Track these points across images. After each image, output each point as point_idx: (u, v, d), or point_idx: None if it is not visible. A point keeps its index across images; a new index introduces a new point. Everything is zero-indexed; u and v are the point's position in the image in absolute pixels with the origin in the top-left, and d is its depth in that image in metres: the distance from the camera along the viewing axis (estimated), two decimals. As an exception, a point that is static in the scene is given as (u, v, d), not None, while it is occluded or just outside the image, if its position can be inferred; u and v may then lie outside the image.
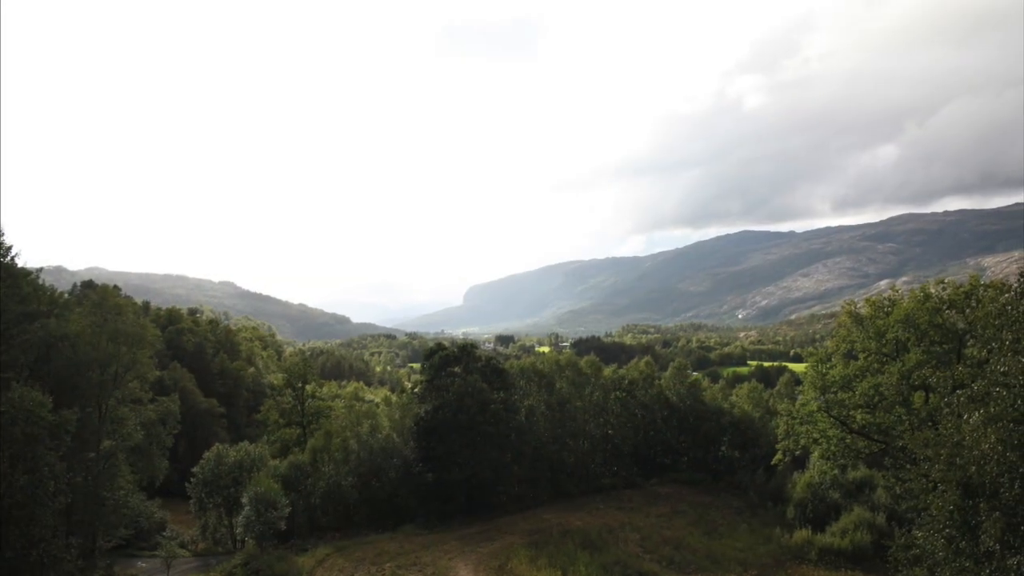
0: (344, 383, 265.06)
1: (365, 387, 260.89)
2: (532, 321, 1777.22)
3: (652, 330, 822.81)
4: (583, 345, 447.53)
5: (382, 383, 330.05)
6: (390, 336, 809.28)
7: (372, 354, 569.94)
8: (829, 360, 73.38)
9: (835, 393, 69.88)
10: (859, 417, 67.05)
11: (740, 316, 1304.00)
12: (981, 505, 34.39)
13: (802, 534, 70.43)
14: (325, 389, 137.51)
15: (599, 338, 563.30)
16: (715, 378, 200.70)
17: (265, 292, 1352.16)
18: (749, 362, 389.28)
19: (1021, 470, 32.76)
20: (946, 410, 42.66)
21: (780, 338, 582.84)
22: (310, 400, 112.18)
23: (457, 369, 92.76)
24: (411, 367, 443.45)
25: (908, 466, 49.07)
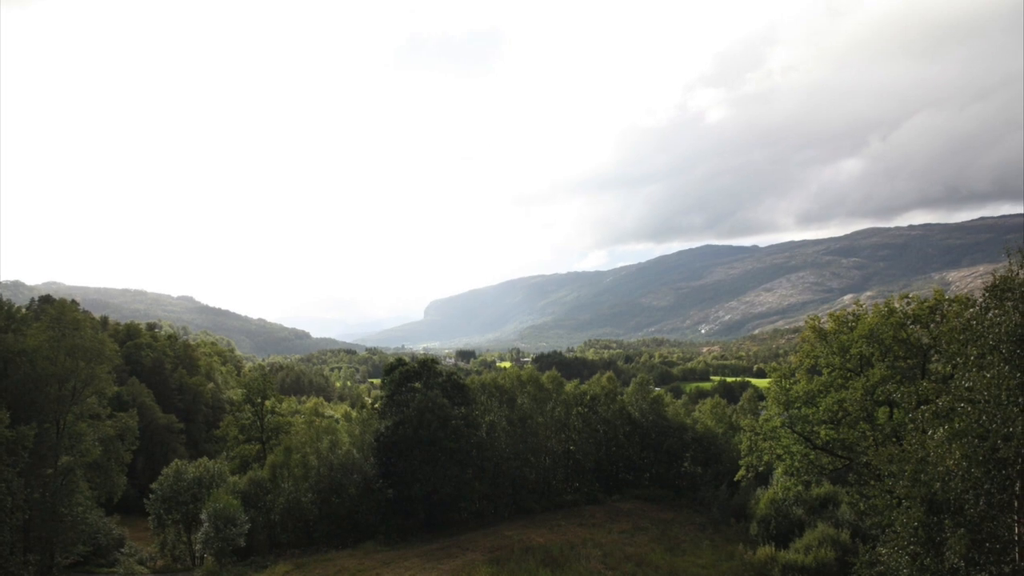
0: (304, 399, 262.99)
1: (325, 403, 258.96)
2: (493, 336, 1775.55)
3: (614, 345, 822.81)
4: (544, 360, 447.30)
5: (342, 399, 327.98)
6: (350, 351, 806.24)
7: (332, 369, 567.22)
8: (793, 375, 73.21)
9: (799, 409, 69.67)
10: (823, 433, 66.92)
11: (703, 331, 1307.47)
12: (946, 521, 34.43)
13: (765, 551, 70.22)
14: (284, 405, 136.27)
15: (561, 353, 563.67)
16: (678, 393, 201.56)
17: (224, 307, 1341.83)
18: (712, 377, 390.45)
19: (986, 486, 32.83)
20: (911, 426, 42.82)
21: (743, 353, 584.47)
22: (269, 416, 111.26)
23: (417, 385, 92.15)
24: (371, 382, 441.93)
25: (872, 482, 49.14)
